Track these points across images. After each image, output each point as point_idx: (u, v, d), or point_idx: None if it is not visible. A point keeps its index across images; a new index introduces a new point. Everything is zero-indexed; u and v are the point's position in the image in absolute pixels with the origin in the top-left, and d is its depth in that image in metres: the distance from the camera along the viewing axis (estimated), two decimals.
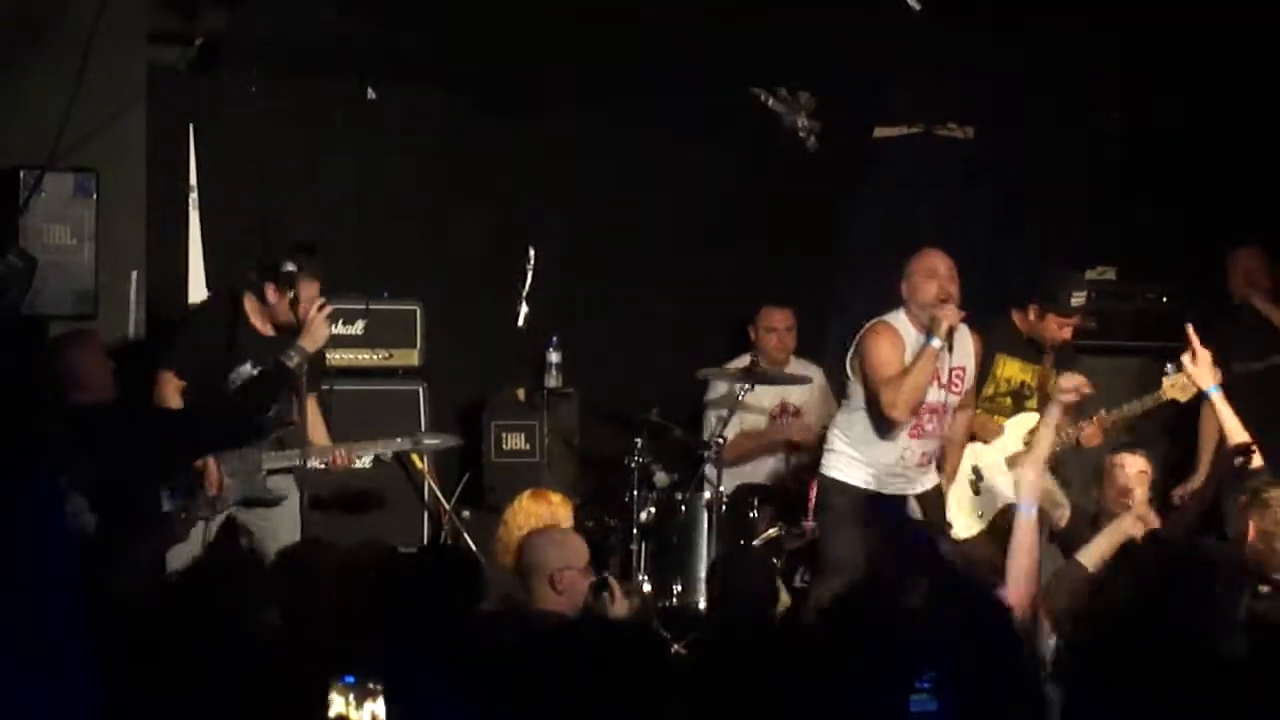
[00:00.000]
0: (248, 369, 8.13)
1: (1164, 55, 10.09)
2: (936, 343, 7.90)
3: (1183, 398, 8.52)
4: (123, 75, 8.96)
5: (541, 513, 7.55)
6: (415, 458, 9.38)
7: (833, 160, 10.57)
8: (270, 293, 8.12)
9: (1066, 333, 8.86)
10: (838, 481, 8.19)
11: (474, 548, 8.79)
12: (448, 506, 9.35)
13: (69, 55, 8.46)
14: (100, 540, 6.93)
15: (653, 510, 9.58)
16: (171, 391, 8.04)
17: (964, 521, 8.75)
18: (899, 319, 8.12)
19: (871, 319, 8.23)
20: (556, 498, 7.78)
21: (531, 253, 9.67)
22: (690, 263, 10.48)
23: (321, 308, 8.12)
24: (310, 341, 8.07)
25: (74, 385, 7.74)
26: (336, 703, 4.29)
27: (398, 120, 10.06)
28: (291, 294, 8.06)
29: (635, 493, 9.57)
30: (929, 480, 8.25)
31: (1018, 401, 8.92)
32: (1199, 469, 9.19)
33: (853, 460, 8.17)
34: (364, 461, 8.44)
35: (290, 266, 8.09)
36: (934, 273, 8.05)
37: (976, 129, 10.84)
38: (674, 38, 9.88)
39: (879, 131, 10.81)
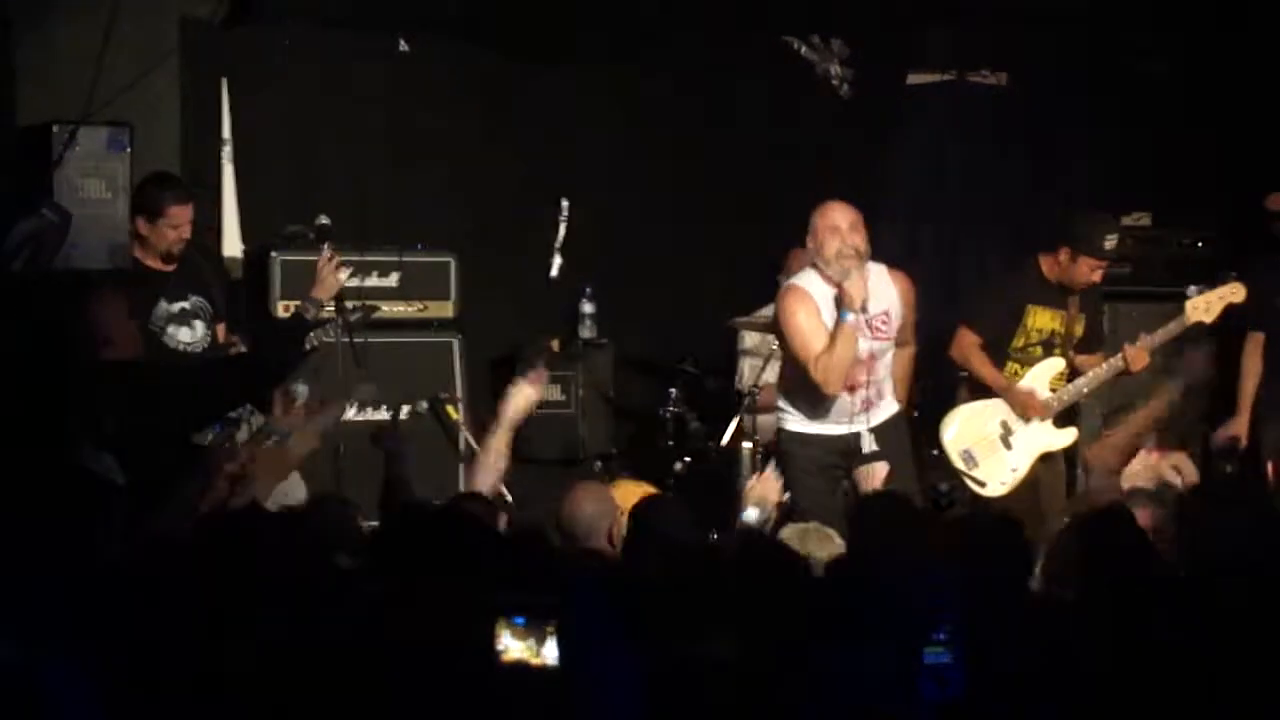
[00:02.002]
0: (164, 306, 8.22)
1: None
2: (850, 317, 7.77)
3: (1208, 319, 8.52)
4: (156, 29, 9.01)
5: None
6: (450, 409, 9.42)
7: (866, 108, 10.55)
8: (142, 226, 8.21)
9: (1098, 275, 8.80)
10: (792, 433, 8.12)
11: (509, 498, 8.81)
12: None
13: (101, 9, 8.47)
14: (131, 497, 6.94)
15: (688, 460, 9.62)
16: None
17: (997, 476, 8.72)
18: (809, 279, 8.00)
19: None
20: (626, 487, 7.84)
21: (564, 204, 9.67)
22: (723, 212, 10.47)
23: (329, 260, 8.27)
24: (323, 291, 8.26)
25: (103, 343, 7.77)
26: (512, 646, 4.27)
27: (430, 72, 10.05)
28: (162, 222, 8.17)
29: (670, 443, 9.61)
30: (883, 413, 8.13)
31: (1048, 350, 8.87)
32: (1239, 409, 9.13)
33: (798, 413, 8.11)
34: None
35: (151, 195, 8.21)
36: (836, 229, 7.94)
37: (1009, 75, 10.81)
38: None
39: (912, 78, 10.79)
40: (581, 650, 4.36)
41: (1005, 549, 5.48)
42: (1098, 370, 8.74)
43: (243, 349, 8.48)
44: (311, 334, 8.36)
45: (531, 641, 4.27)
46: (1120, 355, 8.67)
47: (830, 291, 7.89)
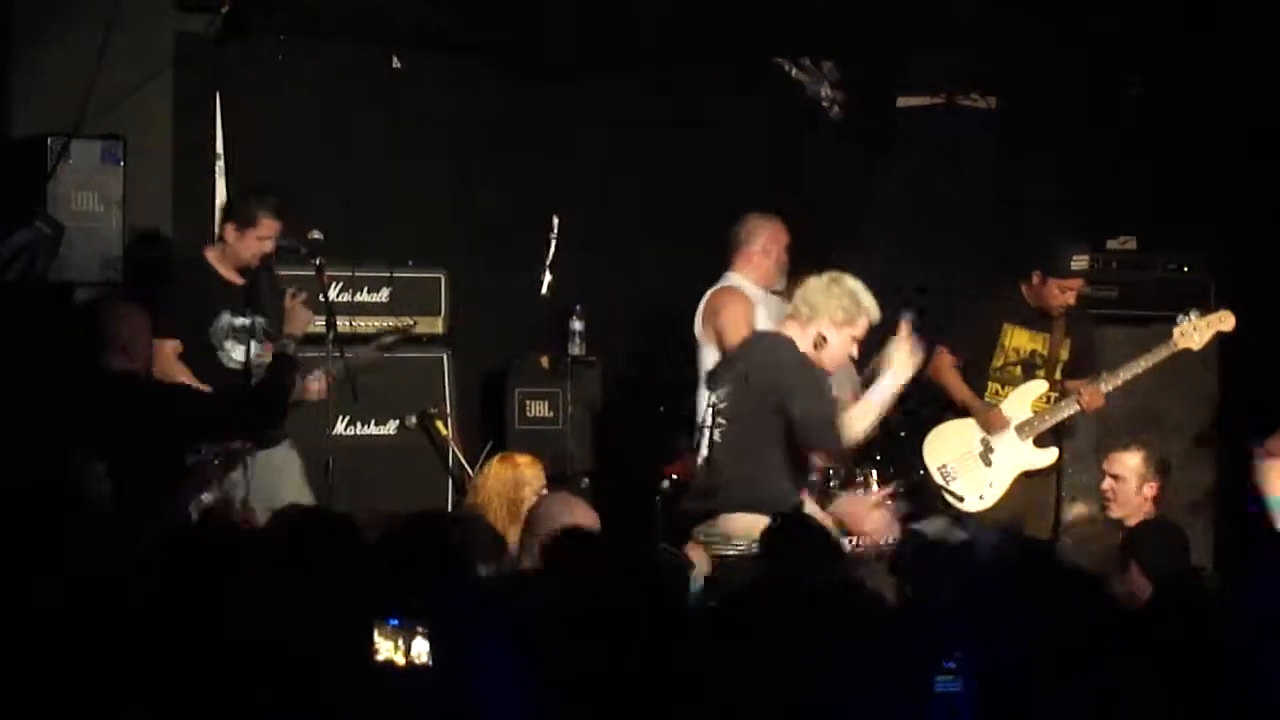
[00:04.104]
0: (227, 319, 8.26)
1: (1187, 23, 10.07)
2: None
3: (1196, 345, 8.58)
4: (150, 43, 9.06)
5: (506, 475, 7.67)
6: (440, 425, 9.46)
7: (856, 130, 10.59)
8: (230, 233, 8.23)
9: (1069, 297, 8.88)
10: None
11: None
12: (471, 473, 9.39)
13: (97, 23, 8.51)
14: (115, 506, 6.97)
15: (674, 478, 9.63)
16: (169, 354, 8.11)
17: (975, 490, 8.81)
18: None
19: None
20: (523, 459, 7.88)
21: (555, 221, 9.71)
22: (714, 231, 10.48)
23: (294, 295, 8.26)
24: (295, 326, 8.21)
25: (119, 350, 7.73)
26: (383, 646, 4.36)
27: (423, 88, 10.09)
28: (252, 232, 8.21)
29: (657, 460, 9.62)
30: None
31: (1028, 371, 8.97)
32: None
33: None
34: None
35: (250, 203, 8.24)
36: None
37: (999, 100, 10.86)
38: (700, 7, 9.90)
39: (902, 101, 10.84)
40: (456, 652, 4.44)
41: (1014, 576, 5.54)
42: (1061, 404, 8.85)
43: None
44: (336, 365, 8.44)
45: (402, 642, 4.37)
46: (1075, 395, 8.79)
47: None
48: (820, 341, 7.44)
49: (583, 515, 6.56)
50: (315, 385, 8.43)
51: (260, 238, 8.25)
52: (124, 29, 8.58)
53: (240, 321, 8.31)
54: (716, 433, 7.34)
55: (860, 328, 7.48)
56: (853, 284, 7.52)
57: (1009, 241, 9.95)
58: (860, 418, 7.47)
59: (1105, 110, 10.61)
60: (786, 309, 7.88)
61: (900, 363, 7.50)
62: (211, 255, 8.35)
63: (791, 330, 7.52)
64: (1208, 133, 10.29)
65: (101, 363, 7.42)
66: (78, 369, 7.54)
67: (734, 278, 8.91)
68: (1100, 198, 10.45)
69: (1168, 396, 9.58)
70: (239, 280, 8.32)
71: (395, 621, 4.41)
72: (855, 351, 7.57)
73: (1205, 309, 8.92)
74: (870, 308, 7.49)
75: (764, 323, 8.46)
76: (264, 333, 8.31)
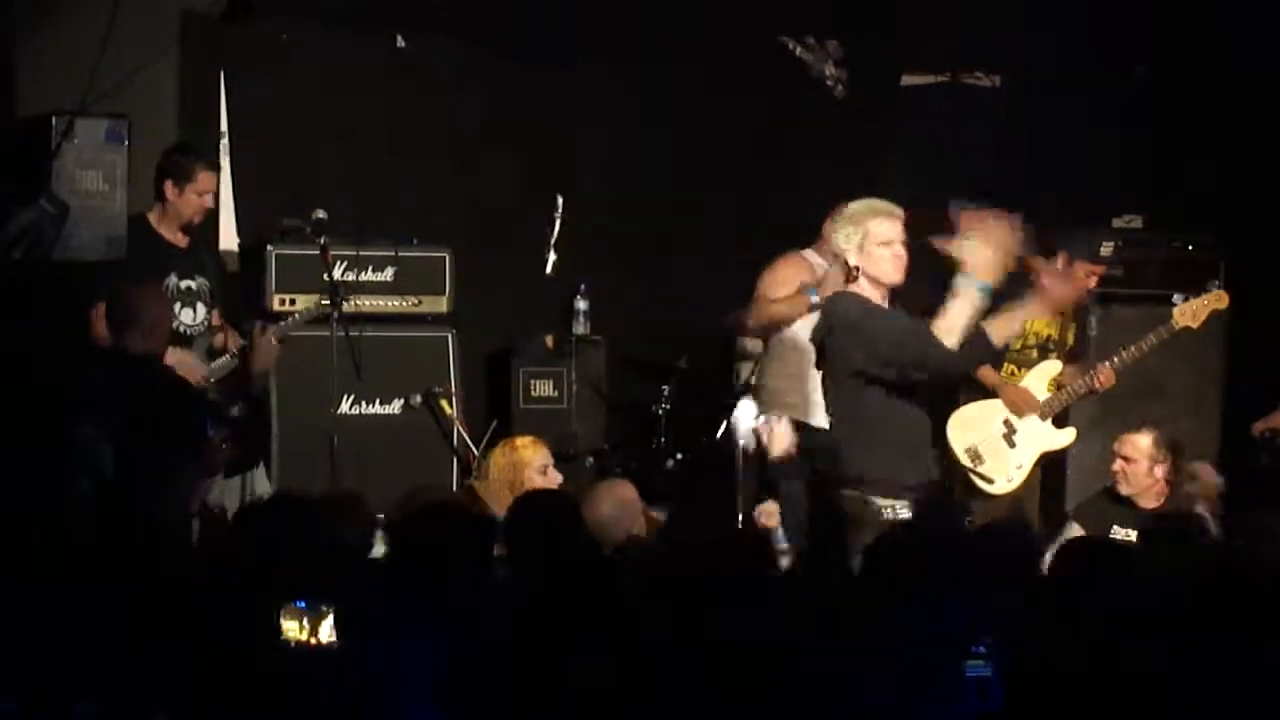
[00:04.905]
0: (174, 280, 8.31)
1: (1192, 3, 10.08)
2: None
3: (1195, 324, 8.59)
4: (155, 22, 9.06)
5: (504, 463, 7.71)
6: (444, 404, 9.45)
7: (861, 108, 10.59)
8: (169, 190, 8.23)
9: (1092, 282, 8.88)
10: None
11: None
12: (476, 453, 9.40)
13: (102, 2, 8.49)
14: (117, 482, 6.97)
15: (680, 456, 9.65)
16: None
17: (1004, 473, 8.79)
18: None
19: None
20: (523, 441, 7.95)
21: (560, 200, 9.70)
22: (718, 210, 10.51)
23: (262, 331, 8.36)
24: (261, 362, 8.36)
25: (142, 331, 7.71)
26: (289, 626, 4.39)
27: (427, 68, 10.09)
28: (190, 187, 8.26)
29: (663, 440, 9.64)
30: None
31: (1043, 354, 9.00)
32: None
33: None
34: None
35: (181, 160, 8.29)
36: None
37: (1003, 78, 10.85)
38: None
39: (906, 80, 10.83)
40: (363, 631, 4.47)
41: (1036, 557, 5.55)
42: (1075, 385, 8.84)
43: (234, 336, 8.52)
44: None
45: (308, 623, 4.38)
46: (1091, 374, 8.78)
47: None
48: (855, 273, 6.88)
49: (621, 503, 6.58)
50: (266, 343, 8.41)
51: (199, 192, 8.31)
52: (130, 9, 8.54)
53: (186, 284, 8.35)
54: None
55: (878, 232, 6.84)
56: (852, 204, 7.01)
57: (1021, 221, 9.92)
58: (946, 333, 6.69)
59: (1110, 88, 10.61)
60: None
61: (971, 252, 6.69)
62: (153, 217, 8.37)
63: (846, 288, 7.02)
64: (1212, 110, 10.29)
65: (122, 344, 7.42)
66: (97, 349, 7.56)
67: (806, 252, 8.82)
68: (1106, 176, 10.45)
69: (1170, 369, 9.55)
70: (183, 242, 8.35)
71: (302, 604, 4.43)
72: (899, 254, 6.85)
73: (1202, 289, 8.92)
74: (872, 206, 6.91)
75: None
76: (206, 295, 8.36)
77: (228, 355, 8.40)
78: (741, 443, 7.69)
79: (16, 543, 5.07)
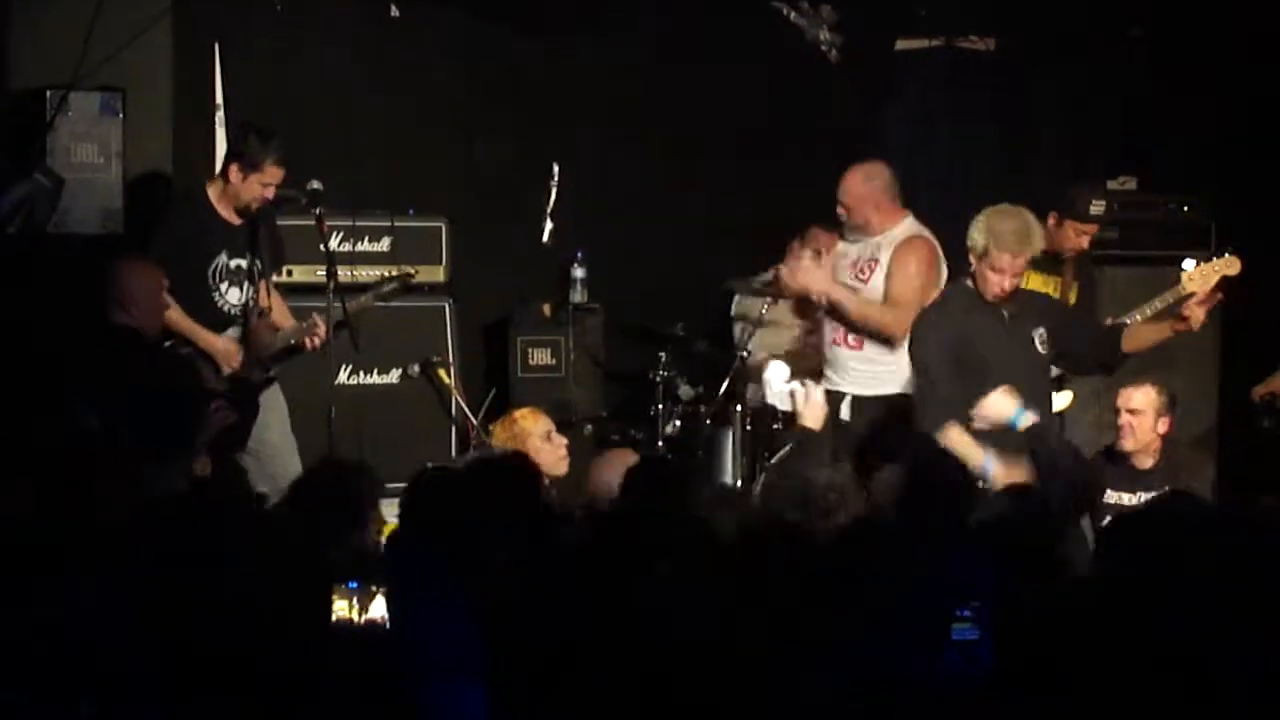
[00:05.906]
0: (224, 259, 8.27)
1: None
2: None
3: (1201, 290, 8.56)
4: None
5: (505, 437, 7.76)
6: (442, 373, 9.47)
7: (856, 73, 10.58)
8: (234, 173, 8.22)
9: (1084, 241, 8.84)
10: None
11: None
12: (475, 421, 9.42)
13: None
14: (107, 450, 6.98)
15: (678, 423, 9.67)
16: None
17: None
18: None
19: None
20: (520, 412, 8.00)
21: (556, 169, 9.70)
22: (715, 177, 10.51)
23: (261, 317, 8.34)
24: (258, 350, 8.35)
25: (127, 305, 7.73)
26: (339, 605, 4.43)
27: (422, 38, 10.07)
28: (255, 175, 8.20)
29: (660, 406, 9.66)
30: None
31: None
32: None
33: None
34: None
35: (255, 147, 8.20)
36: None
37: (997, 41, 10.84)
38: None
39: (901, 44, 10.81)
40: (410, 607, 4.54)
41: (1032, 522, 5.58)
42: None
43: (282, 310, 8.55)
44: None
45: (359, 602, 4.44)
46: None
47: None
48: (974, 276, 7.68)
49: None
50: (310, 340, 8.43)
51: (264, 183, 8.24)
52: None
53: (237, 263, 8.33)
54: None
55: (998, 257, 7.56)
56: (986, 217, 7.63)
57: (1010, 182, 9.92)
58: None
59: (1105, 50, 10.59)
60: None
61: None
62: (212, 192, 8.34)
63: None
64: (1208, 72, 10.28)
65: (109, 317, 7.43)
66: (84, 321, 7.56)
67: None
68: (1101, 137, 10.45)
69: None
70: (236, 221, 8.32)
71: (354, 584, 4.47)
72: (1001, 283, 7.61)
73: (1210, 254, 8.88)
74: (998, 237, 7.55)
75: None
76: (255, 274, 8.34)
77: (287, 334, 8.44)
78: (773, 402, 8.30)
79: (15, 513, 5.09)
